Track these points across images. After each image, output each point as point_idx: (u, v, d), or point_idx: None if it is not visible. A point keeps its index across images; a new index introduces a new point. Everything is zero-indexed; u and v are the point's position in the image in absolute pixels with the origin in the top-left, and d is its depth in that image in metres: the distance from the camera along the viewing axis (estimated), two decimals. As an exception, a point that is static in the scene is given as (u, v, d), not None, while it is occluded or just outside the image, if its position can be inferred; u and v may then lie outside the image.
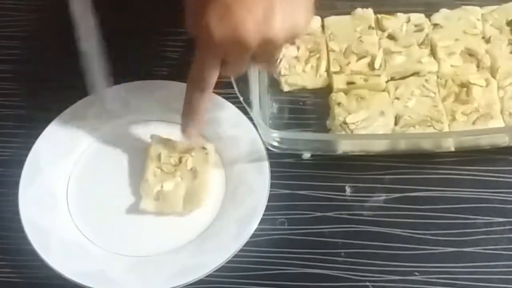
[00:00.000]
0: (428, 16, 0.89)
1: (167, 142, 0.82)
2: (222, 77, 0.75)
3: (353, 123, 0.81)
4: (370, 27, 0.88)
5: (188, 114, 0.77)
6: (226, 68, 0.74)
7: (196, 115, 0.77)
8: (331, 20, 0.90)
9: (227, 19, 0.69)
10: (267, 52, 0.72)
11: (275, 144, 0.81)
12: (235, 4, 0.69)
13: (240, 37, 0.69)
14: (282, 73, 0.87)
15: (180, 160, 0.81)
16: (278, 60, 0.80)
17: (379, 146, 0.83)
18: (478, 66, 0.85)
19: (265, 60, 0.75)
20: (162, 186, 0.79)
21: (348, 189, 0.82)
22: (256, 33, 0.69)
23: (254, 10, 0.69)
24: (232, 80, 0.79)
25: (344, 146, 0.82)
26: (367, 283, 0.76)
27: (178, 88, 0.85)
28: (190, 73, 0.75)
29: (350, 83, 0.85)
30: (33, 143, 0.83)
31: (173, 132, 0.82)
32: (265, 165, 0.81)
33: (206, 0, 0.70)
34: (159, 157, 0.81)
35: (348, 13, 0.91)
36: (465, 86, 0.84)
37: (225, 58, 0.72)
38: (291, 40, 0.72)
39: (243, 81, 0.79)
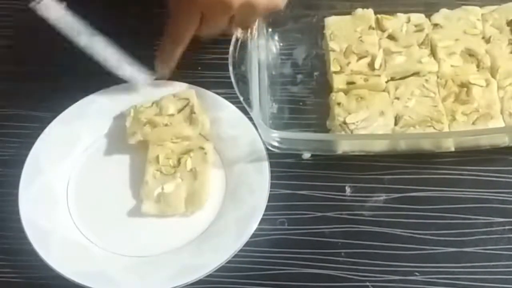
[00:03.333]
0: (428, 16, 0.89)
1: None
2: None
3: (353, 123, 0.81)
4: (370, 27, 0.88)
5: (160, 62, 0.82)
6: (204, 27, 0.77)
7: (168, 62, 0.82)
8: (332, 20, 0.90)
9: None
10: (246, 15, 0.75)
11: (275, 144, 0.81)
12: None
13: None
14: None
15: (179, 161, 0.81)
16: (254, 26, 0.82)
17: (379, 146, 0.83)
18: (478, 66, 0.85)
19: (242, 24, 0.78)
20: (162, 188, 0.79)
21: (348, 189, 0.82)
22: None
23: None
24: (232, 80, 0.79)
25: (344, 146, 0.82)
26: (367, 283, 0.76)
27: (175, 88, 0.85)
28: (167, 25, 0.78)
29: (350, 83, 0.85)
30: (33, 143, 0.83)
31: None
32: (265, 165, 0.81)
33: None
34: (157, 159, 0.81)
35: (349, 13, 0.90)
36: (465, 86, 0.84)
37: (205, 16, 0.75)
38: (272, 9, 0.76)
39: (243, 81, 0.80)
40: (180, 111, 0.83)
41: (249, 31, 0.81)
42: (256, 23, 0.82)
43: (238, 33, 0.81)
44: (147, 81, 0.84)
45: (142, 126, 0.82)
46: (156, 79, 0.84)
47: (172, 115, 0.83)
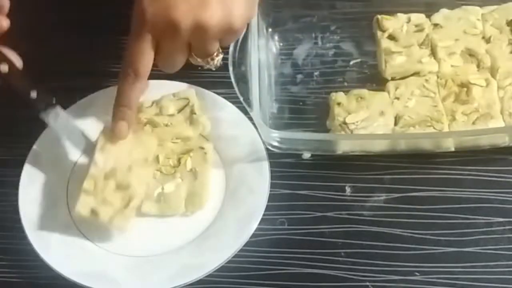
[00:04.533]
0: (428, 16, 0.89)
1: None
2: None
3: (353, 123, 0.81)
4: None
5: (119, 105, 0.77)
6: (161, 56, 0.73)
7: (127, 108, 0.77)
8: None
9: (160, 0, 0.70)
10: (200, 41, 0.72)
11: (275, 144, 0.81)
12: None
13: (171, 18, 0.69)
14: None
15: (179, 161, 0.81)
16: (216, 55, 0.77)
17: (379, 146, 0.83)
18: (478, 66, 0.85)
19: (200, 51, 0.74)
20: (163, 188, 0.79)
21: (348, 189, 0.82)
22: (187, 15, 0.69)
23: None
24: (232, 80, 0.79)
25: (344, 146, 0.82)
26: (367, 283, 0.76)
27: (175, 88, 0.85)
28: (123, 58, 0.74)
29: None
30: (33, 143, 0.83)
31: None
32: (265, 165, 0.81)
33: None
34: (157, 159, 0.81)
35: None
36: (465, 86, 0.84)
37: (159, 43, 0.72)
38: (225, 33, 0.72)
39: (243, 81, 0.80)
40: (180, 111, 0.83)
41: (211, 60, 0.77)
42: (219, 52, 0.77)
43: (199, 63, 0.78)
44: None
45: (143, 126, 0.82)
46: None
47: (172, 115, 0.83)
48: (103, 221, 0.76)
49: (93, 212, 0.76)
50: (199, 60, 0.77)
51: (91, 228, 0.79)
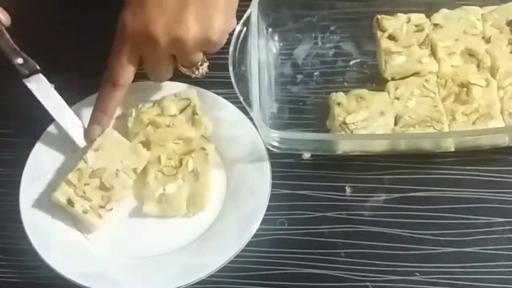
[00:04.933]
0: (428, 16, 0.89)
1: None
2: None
3: (353, 123, 0.81)
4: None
5: (96, 110, 0.80)
6: (147, 67, 0.78)
7: (104, 114, 0.80)
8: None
9: (140, 14, 0.74)
10: (182, 53, 0.76)
11: (275, 144, 0.81)
12: (148, 1, 0.74)
13: (149, 33, 0.74)
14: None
15: (180, 162, 0.81)
16: (200, 64, 0.80)
17: (379, 146, 0.83)
18: (478, 66, 0.85)
19: (184, 62, 0.78)
20: (164, 189, 0.79)
21: (348, 189, 0.82)
22: (165, 30, 0.74)
23: (166, 8, 0.74)
24: (232, 80, 0.79)
25: (344, 146, 0.82)
26: (367, 283, 0.76)
27: (176, 89, 0.85)
28: (107, 67, 0.78)
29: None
30: (34, 143, 0.83)
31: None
32: (266, 165, 0.81)
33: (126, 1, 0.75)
34: (159, 160, 0.81)
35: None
36: (465, 86, 0.83)
37: (142, 55, 0.77)
38: (203, 44, 0.76)
39: (243, 81, 0.80)
40: (181, 111, 0.83)
41: (196, 70, 0.81)
42: (203, 61, 0.81)
43: (186, 72, 0.81)
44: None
45: (145, 127, 0.82)
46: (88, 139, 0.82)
47: (174, 115, 0.83)
48: (76, 212, 0.77)
49: (69, 201, 0.77)
50: (184, 70, 0.81)
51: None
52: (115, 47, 0.78)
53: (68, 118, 0.82)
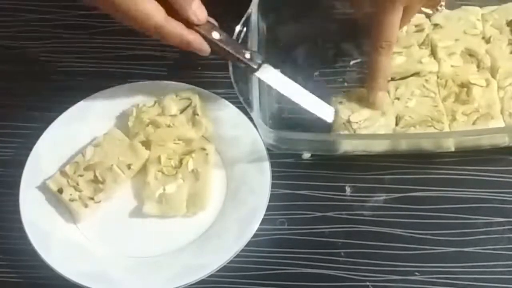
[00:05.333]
0: (428, 16, 0.89)
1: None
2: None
3: (356, 122, 0.81)
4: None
5: (377, 78, 0.81)
6: (405, 16, 0.79)
7: (384, 79, 0.81)
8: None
9: None
10: None
11: (275, 144, 0.81)
12: None
13: None
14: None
15: (180, 162, 0.81)
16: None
17: (380, 146, 0.83)
18: (478, 66, 0.85)
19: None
20: (164, 189, 0.79)
21: (348, 189, 0.82)
22: None
23: None
24: (232, 80, 0.79)
25: (344, 146, 0.82)
26: (367, 283, 0.76)
27: (177, 88, 0.85)
28: (374, 35, 0.79)
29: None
30: (33, 143, 0.83)
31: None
32: (266, 165, 0.81)
33: None
34: (159, 160, 0.81)
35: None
36: (465, 86, 0.83)
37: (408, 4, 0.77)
38: None
39: (243, 81, 0.80)
40: (182, 111, 0.83)
41: (440, 6, 0.84)
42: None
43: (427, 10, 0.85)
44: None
45: (145, 126, 0.82)
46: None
47: (175, 115, 0.83)
48: (64, 199, 0.79)
49: (60, 190, 0.79)
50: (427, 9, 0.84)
51: (92, 229, 0.80)
52: (387, 8, 0.78)
53: (309, 99, 0.82)
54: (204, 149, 0.81)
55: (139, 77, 0.87)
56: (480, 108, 0.82)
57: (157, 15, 0.74)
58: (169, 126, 0.82)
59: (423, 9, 0.84)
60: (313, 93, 0.87)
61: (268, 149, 0.81)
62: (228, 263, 0.76)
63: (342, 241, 0.79)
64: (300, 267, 0.77)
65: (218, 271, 0.76)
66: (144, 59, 0.90)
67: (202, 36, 0.77)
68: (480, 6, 0.89)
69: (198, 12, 0.76)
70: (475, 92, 0.82)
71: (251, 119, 0.81)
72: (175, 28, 0.75)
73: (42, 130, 0.83)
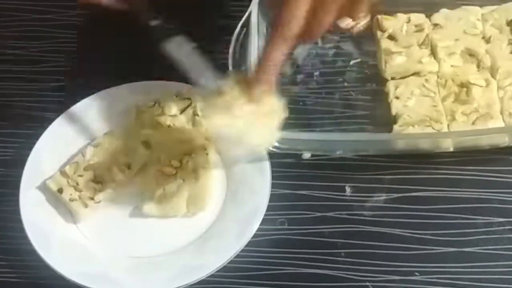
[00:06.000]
0: (428, 16, 0.89)
1: None
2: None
3: None
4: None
5: (267, 61, 0.71)
6: (314, 19, 0.70)
7: (273, 67, 0.71)
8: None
9: None
10: (354, 3, 0.70)
11: (275, 144, 0.81)
12: None
13: None
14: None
15: (180, 162, 0.81)
16: (363, 18, 0.74)
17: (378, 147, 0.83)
18: (478, 66, 0.85)
19: (356, 8, 0.71)
20: (164, 189, 0.79)
21: (348, 189, 0.82)
22: None
23: None
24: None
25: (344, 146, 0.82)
26: (367, 283, 0.76)
27: (177, 88, 0.85)
28: (275, 22, 0.71)
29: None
30: (34, 143, 0.83)
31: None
32: (266, 166, 0.81)
33: None
34: (159, 160, 0.81)
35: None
36: (465, 86, 0.83)
37: (315, 7, 0.69)
38: None
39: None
40: (182, 111, 0.83)
41: (360, 20, 0.74)
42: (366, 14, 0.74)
43: (344, 24, 0.74)
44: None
45: (145, 126, 0.82)
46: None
47: (175, 115, 0.83)
48: (64, 199, 0.79)
49: (60, 190, 0.79)
50: (346, 23, 0.73)
51: (92, 229, 0.80)
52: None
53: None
54: (204, 149, 0.81)
55: (139, 77, 0.87)
56: (480, 108, 0.82)
57: None
58: (169, 126, 0.82)
59: (340, 23, 0.74)
60: (313, 93, 0.88)
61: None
62: (228, 263, 0.76)
63: (342, 241, 0.79)
64: (300, 267, 0.77)
65: (218, 271, 0.76)
66: (144, 59, 0.90)
67: None
68: (480, 6, 0.89)
69: None
70: (474, 92, 0.82)
71: (251, 119, 0.81)
72: None
73: (42, 130, 0.84)
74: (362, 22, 0.74)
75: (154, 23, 0.76)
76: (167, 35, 0.76)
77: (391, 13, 0.89)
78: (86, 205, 0.79)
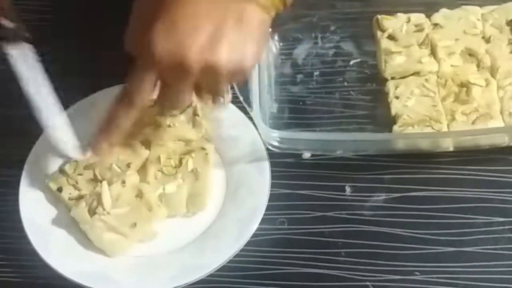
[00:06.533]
0: (428, 16, 0.89)
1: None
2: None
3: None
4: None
5: (107, 126, 0.74)
6: (167, 94, 0.71)
7: (115, 129, 0.73)
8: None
9: (171, 36, 0.66)
10: (210, 81, 0.69)
11: (275, 143, 0.81)
12: (182, 23, 0.66)
13: (181, 56, 0.66)
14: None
15: (180, 162, 0.81)
16: (225, 94, 0.74)
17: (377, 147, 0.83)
18: (478, 66, 0.85)
19: (209, 91, 0.72)
20: (164, 189, 0.79)
21: (348, 189, 0.82)
22: (198, 55, 0.66)
23: (200, 32, 0.66)
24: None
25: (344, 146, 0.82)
26: (368, 283, 0.76)
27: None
28: (123, 89, 0.72)
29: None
30: (33, 143, 0.83)
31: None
32: (266, 165, 0.81)
33: (154, 17, 0.67)
34: (159, 159, 0.81)
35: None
36: (465, 86, 0.84)
37: (164, 80, 0.70)
38: (236, 73, 0.68)
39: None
40: (182, 111, 0.83)
41: (222, 99, 0.74)
42: (228, 92, 0.74)
43: (207, 103, 0.75)
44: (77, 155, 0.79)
45: (145, 126, 0.82)
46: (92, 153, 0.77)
47: (175, 115, 0.83)
48: (63, 198, 0.78)
49: (59, 189, 0.79)
50: (207, 100, 0.74)
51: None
52: (140, 66, 0.69)
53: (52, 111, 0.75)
54: (203, 149, 0.81)
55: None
56: (480, 107, 0.82)
57: None
58: (169, 126, 0.82)
59: (199, 100, 0.74)
60: (313, 93, 0.88)
61: (267, 149, 0.81)
62: (227, 263, 0.76)
63: (342, 241, 0.79)
64: (300, 267, 0.77)
65: (217, 271, 0.75)
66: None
67: None
68: (480, 6, 0.89)
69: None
70: (474, 91, 0.82)
71: (251, 119, 0.81)
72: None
73: (42, 130, 0.83)
74: (227, 99, 0.75)
75: (2, 21, 0.70)
76: (14, 38, 0.72)
77: (391, 13, 0.89)
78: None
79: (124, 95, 0.72)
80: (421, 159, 0.82)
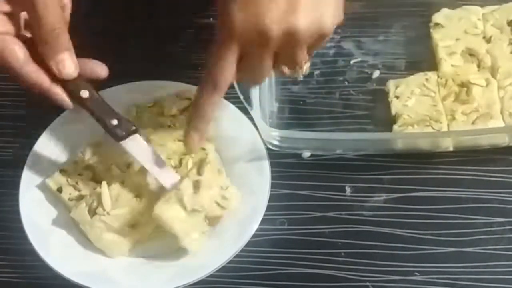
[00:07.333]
0: (429, 16, 0.89)
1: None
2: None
3: None
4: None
5: (194, 116, 0.74)
6: (247, 68, 0.70)
7: (202, 119, 0.74)
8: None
9: (250, 7, 0.67)
10: (289, 49, 0.69)
11: (275, 143, 0.81)
12: None
13: (262, 26, 0.66)
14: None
15: (180, 162, 0.81)
16: (304, 62, 0.72)
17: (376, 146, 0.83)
18: (478, 66, 0.85)
19: (290, 60, 0.71)
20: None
21: (348, 189, 0.82)
22: (278, 23, 0.66)
23: (277, 0, 0.66)
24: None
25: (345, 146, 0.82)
26: (367, 283, 0.76)
27: (177, 88, 0.85)
28: (205, 69, 0.71)
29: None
30: (33, 143, 0.83)
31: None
32: (266, 165, 0.80)
33: None
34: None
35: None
36: (465, 85, 0.83)
37: (245, 53, 0.69)
38: (315, 39, 0.68)
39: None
40: (182, 111, 0.83)
41: (299, 68, 0.73)
42: (307, 60, 0.73)
43: (285, 74, 0.74)
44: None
45: (145, 126, 0.82)
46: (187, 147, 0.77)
47: (175, 115, 0.83)
48: (63, 198, 0.79)
49: (59, 189, 0.79)
50: (285, 70, 0.74)
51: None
52: (220, 44, 0.69)
53: (166, 175, 0.77)
54: (203, 149, 0.81)
55: (139, 77, 0.87)
56: (480, 107, 0.82)
57: (14, 55, 0.68)
58: (169, 126, 0.82)
59: (276, 71, 0.74)
60: (313, 92, 0.88)
61: (268, 149, 0.81)
62: (227, 263, 0.76)
63: (342, 241, 0.79)
64: (300, 267, 0.77)
65: (217, 271, 0.75)
66: (144, 59, 0.90)
67: (68, 91, 0.71)
68: (481, 6, 0.89)
69: (64, 65, 0.70)
70: (475, 91, 0.82)
71: (251, 118, 0.81)
72: (30, 73, 0.69)
73: (42, 130, 0.84)
74: (305, 67, 0.74)
75: (113, 122, 0.74)
76: (126, 134, 0.75)
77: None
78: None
79: (208, 81, 0.71)
80: (421, 159, 0.82)
